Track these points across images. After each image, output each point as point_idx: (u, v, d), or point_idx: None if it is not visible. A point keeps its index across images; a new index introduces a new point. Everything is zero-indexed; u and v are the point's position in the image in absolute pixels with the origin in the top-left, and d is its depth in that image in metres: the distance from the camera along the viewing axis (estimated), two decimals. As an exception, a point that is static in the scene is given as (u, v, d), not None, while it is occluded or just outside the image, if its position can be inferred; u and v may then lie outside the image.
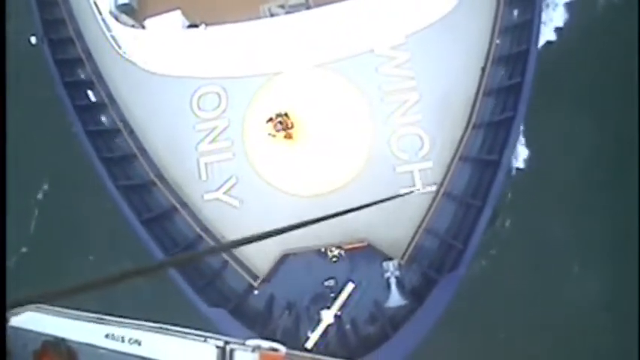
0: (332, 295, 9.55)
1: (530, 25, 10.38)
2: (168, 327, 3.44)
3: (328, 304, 9.43)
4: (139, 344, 3.35)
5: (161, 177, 10.37)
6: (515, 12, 10.77)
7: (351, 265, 9.72)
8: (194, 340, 3.37)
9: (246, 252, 9.88)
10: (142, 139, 10.71)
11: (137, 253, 9.97)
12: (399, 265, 9.40)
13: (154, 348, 3.32)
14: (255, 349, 3.28)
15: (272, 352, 3.28)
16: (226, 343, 3.32)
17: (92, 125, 10.91)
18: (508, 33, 10.61)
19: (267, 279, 9.73)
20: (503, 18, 10.61)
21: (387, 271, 9.37)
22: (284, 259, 9.75)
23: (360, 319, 9.43)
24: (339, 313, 9.35)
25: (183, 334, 3.41)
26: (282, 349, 3.29)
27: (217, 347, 3.29)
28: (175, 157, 10.49)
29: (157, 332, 3.40)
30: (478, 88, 10.17)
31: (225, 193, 10.14)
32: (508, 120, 9.82)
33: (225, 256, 9.83)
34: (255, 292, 9.77)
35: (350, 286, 9.41)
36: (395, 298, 9.30)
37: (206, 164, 10.33)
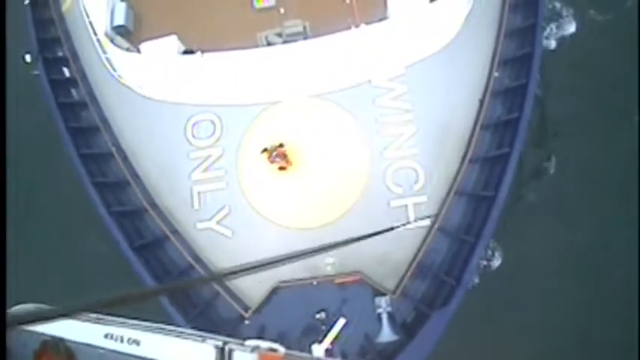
0: (323, 327, 9.53)
1: (529, 58, 10.30)
2: (168, 327, 3.41)
3: (319, 337, 9.42)
4: (138, 344, 3.30)
5: (154, 204, 10.29)
6: (515, 45, 10.68)
7: (342, 298, 9.69)
8: (193, 340, 3.34)
9: (238, 283, 9.82)
10: (135, 165, 10.61)
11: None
12: (391, 300, 9.38)
13: (152, 348, 3.28)
14: (254, 349, 3.25)
15: (271, 353, 3.24)
16: (225, 343, 3.29)
17: (85, 148, 10.81)
18: (507, 66, 10.53)
19: (258, 310, 9.69)
20: (502, 50, 10.53)
21: (379, 307, 9.33)
22: (276, 290, 9.71)
23: (350, 352, 9.42)
24: (330, 346, 9.34)
25: (182, 334, 3.38)
26: (281, 349, 3.25)
27: (216, 347, 3.26)
28: (169, 184, 10.41)
29: (156, 332, 3.35)
30: (475, 122, 10.11)
31: (217, 222, 10.07)
32: (504, 155, 9.76)
33: (216, 286, 9.77)
34: (246, 322, 9.73)
35: (341, 322, 9.37)
36: (386, 334, 9.28)
37: (199, 193, 10.25)
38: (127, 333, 3.34)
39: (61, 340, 3.21)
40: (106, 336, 3.34)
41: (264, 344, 3.27)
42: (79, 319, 3.39)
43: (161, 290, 5.22)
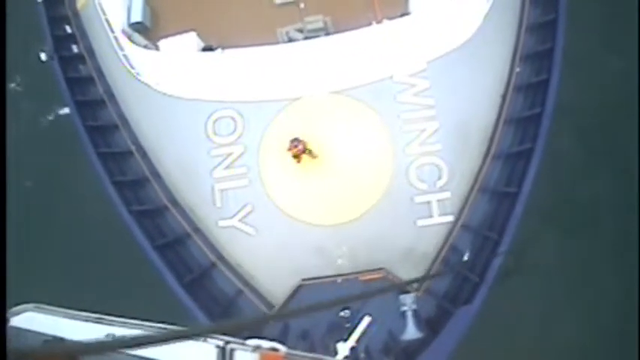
0: (347, 325, 9.48)
1: (551, 53, 10.22)
2: (168, 327, 3.38)
3: (343, 335, 9.37)
4: None
5: (175, 202, 10.22)
6: (536, 39, 10.60)
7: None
8: (194, 339, 3.34)
9: (262, 281, 9.79)
10: (155, 163, 10.53)
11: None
12: (416, 297, 9.34)
13: (153, 348, 3.19)
14: (255, 348, 3.27)
15: (272, 352, 3.26)
16: (226, 342, 3.31)
17: (104, 147, 10.72)
18: (529, 60, 10.45)
19: (282, 308, 9.64)
20: (524, 45, 10.46)
21: (403, 304, 9.28)
22: (299, 288, 9.65)
23: (374, 349, 9.38)
24: (354, 344, 9.29)
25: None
26: (282, 348, 3.27)
27: (217, 347, 3.28)
28: (190, 182, 10.32)
29: (157, 332, 3.35)
30: (498, 117, 10.05)
31: (240, 220, 10.00)
32: (527, 151, 9.70)
33: (240, 284, 9.73)
34: (270, 321, 9.68)
35: (366, 320, 9.32)
36: (411, 331, 9.24)
37: (221, 191, 10.18)
38: (128, 333, 3.38)
39: (62, 340, 3.22)
40: (107, 336, 3.37)
41: (266, 344, 3.28)
42: (79, 319, 3.35)
43: (211, 329, 5.08)
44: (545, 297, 11.19)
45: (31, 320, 3.32)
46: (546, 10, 10.85)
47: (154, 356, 3.22)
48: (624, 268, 11.41)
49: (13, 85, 14.08)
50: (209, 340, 3.33)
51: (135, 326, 3.40)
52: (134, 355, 3.19)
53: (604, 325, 10.98)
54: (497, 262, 9.08)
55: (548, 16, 10.73)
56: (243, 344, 3.30)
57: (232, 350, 3.26)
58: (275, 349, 3.26)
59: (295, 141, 9.72)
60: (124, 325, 3.41)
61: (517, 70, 10.35)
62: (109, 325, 3.42)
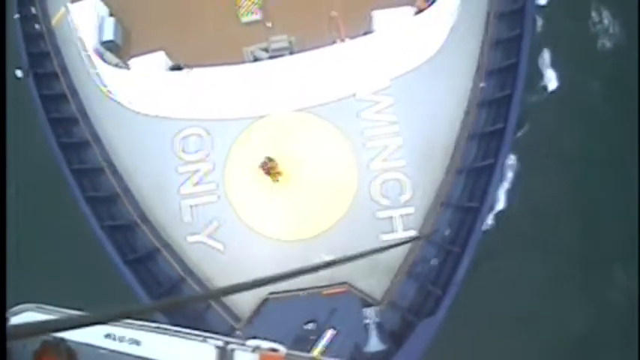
0: (313, 338, 9.69)
1: (515, 69, 10.36)
2: (168, 327, 3.44)
3: (309, 347, 9.59)
4: (139, 344, 3.35)
5: (145, 218, 10.43)
6: (500, 55, 10.74)
7: (331, 308, 9.85)
8: (194, 340, 3.37)
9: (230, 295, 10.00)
10: (126, 179, 10.73)
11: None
12: (379, 309, 9.55)
13: (153, 348, 3.32)
14: (255, 349, 3.27)
15: (272, 353, 3.27)
16: (226, 343, 3.32)
17: (77, 163, 10.92)
18: (492, 76, 10.59)
19: (249, 321, 9.87)
20: (487, 61, 10.60)
21: (367, 318, 9.50)
22: (265, 301, 9.88)
23: None
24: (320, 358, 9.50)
25: (183, 334, 3.40)
26: (282, 349, 3.28)
27: (217, 347, 3.28)
28: (159, 198, 10.54)
29: (157, 332, 3.39)
30: (461, 133, 10.21)
31: (208, 236, 10.22)
32: (490, 166, 9.87)
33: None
34: (237, 333, 9.90)
35: (330, 332, 9.54)
36: (374, 344, 9.47)
37: (190, 206, 10.39)
38: (128, 333, 3.38)
39: (62, 340, 3.21)
40: (106, 336, 3.38)
41: (265, 344, 3.29)
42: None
43: (159, 306, 5.14)
44: (509, 309, 11.35)
45: (30, 320, 3.35)
46: (511, 26, 10.98)
47: (153, 356, 3.28)
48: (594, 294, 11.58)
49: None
50: (208, 340, 3.33)
51: (135, 326, 3.40)
52: (134, 356, 3.30)
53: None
54: (460, 274, 9.31)
55: (512, 32, 10.86)
56: (243, 344, 3.31)
57: (232, 350, 3.25)
58: (275, 350, 3.25)
59: (266, 158, 9.96)
60: (123, 325, 3.40)
61: (481, 85, 10.50)
62: (109, 325, 3.40)
